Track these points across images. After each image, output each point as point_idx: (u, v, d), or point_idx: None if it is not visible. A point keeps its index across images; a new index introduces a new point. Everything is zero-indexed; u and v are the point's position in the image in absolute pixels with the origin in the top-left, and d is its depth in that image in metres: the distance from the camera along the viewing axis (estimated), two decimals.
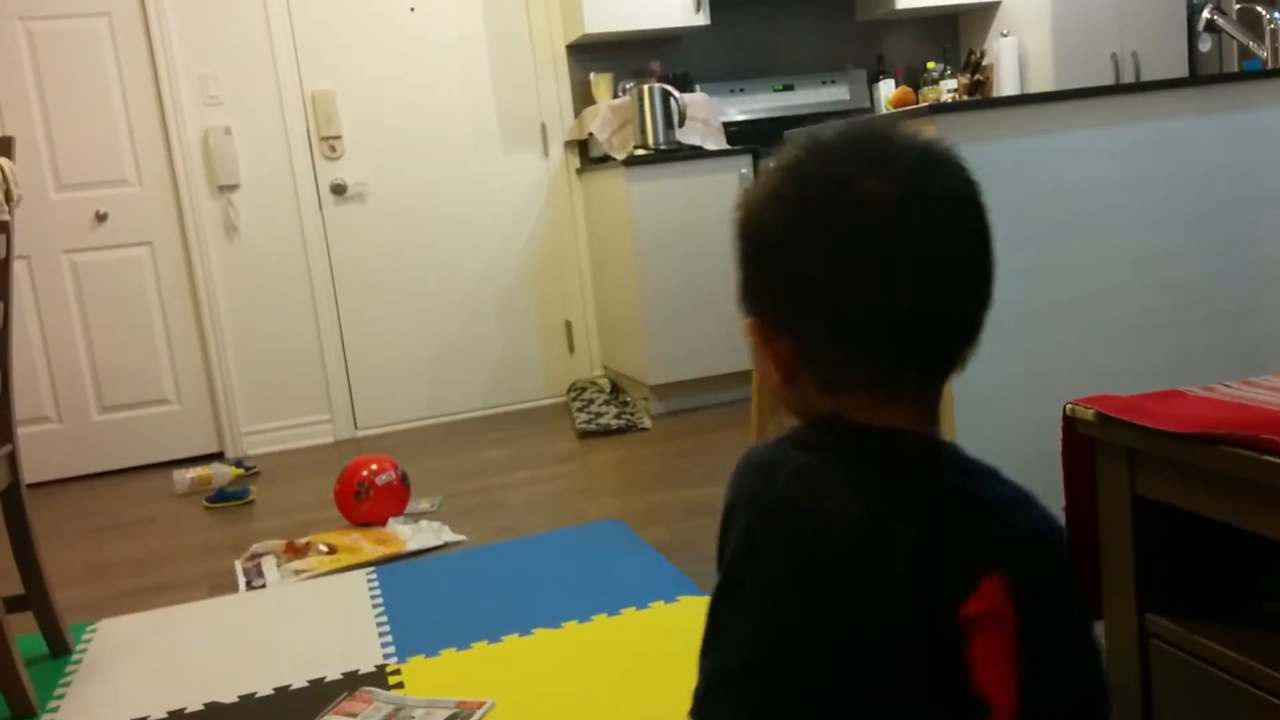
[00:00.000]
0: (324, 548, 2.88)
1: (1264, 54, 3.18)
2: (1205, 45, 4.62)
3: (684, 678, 2.00)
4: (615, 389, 4.67)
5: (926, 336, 0.75)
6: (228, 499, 3.59)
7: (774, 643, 0.78)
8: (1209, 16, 3.25)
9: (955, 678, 0.68)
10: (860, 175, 0.73)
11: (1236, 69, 4.50)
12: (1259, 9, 3.20)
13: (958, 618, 0.68)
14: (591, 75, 4.63)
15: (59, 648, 2.36)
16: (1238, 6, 4.36)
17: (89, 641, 2.45)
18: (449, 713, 1.90)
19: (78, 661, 2.33)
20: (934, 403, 0.79)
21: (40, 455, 4.19)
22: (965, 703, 0.69)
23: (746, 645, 0.82)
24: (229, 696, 2.08)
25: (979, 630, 0.67)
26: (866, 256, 0.72)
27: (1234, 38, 3.37)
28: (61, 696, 2.16)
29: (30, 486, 4.29)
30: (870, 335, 0.73)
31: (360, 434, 4.53)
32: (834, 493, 0.73)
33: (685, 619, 2.22)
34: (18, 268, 4.13)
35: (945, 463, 0.75)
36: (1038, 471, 2.61)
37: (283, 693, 2.07)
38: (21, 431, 4.15)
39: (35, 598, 2.31)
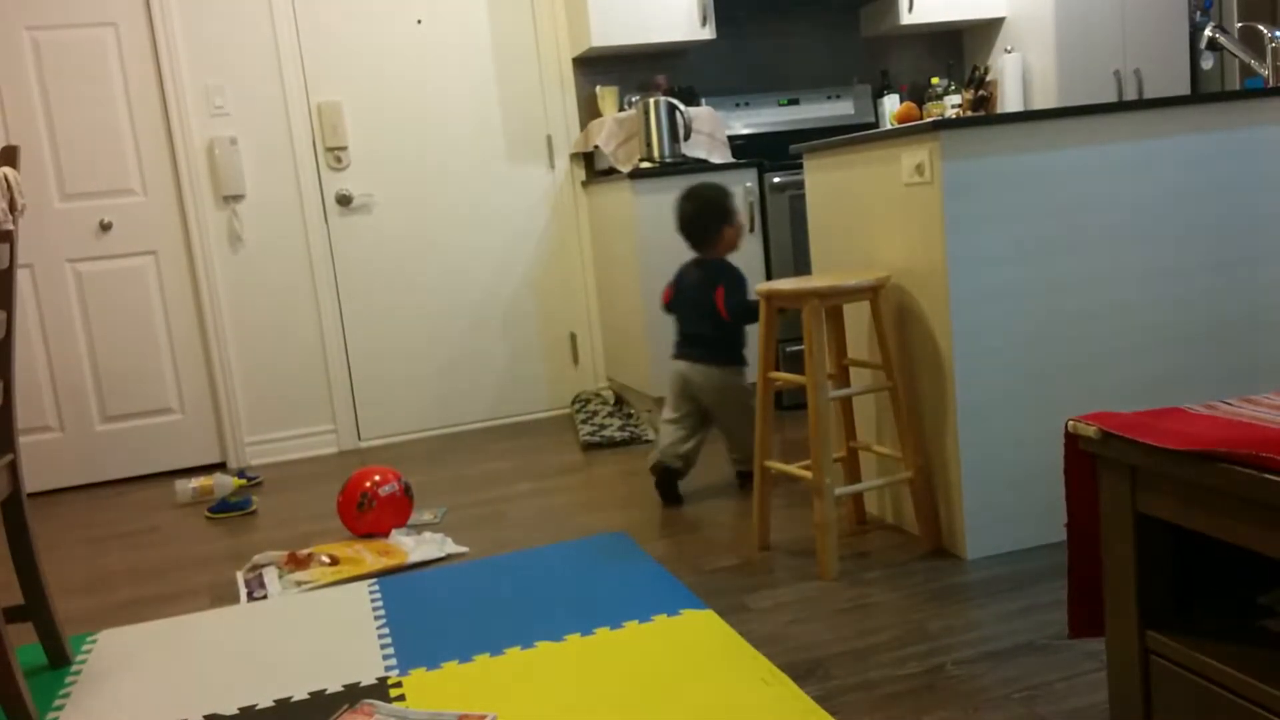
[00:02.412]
0: (326, 559, 2.88)
1: (1265, 72, 3.19)
2: (1207, 63, 4.65)
3: (686, 691, 2.01)
4: (619, 401, 4.67)
5: (688, 238, 3.26)
6: (230, 509, 3.60)
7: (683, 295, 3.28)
8: (1211, 35, 3.26)
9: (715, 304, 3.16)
10: (680, 199, 3.29)
11: (1238, 87, 4.51)
12: (1260, 28, 3.21)
13: (717, 294, 3.15)
14: (597, 88, 4.65)
15: (59, 659, 2.36)
16: (1239, 25, 4.37)
17: (89, 652, 2.45)
18: None
19: (77, 673, 2.33)
20: (706, 253, 3.25)
21: (42, 465, 4.20)
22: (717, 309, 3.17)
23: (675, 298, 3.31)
24: (229, 708, 2.08)
25: (718, 294, 3.14)
26: (678, 223, 3.28)
27: (1236, 56, 3.38)
28: (60, 708, 2.16)
29: (32, 496, 4.30)
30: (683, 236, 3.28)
31: (364, 445, 4.54)
32: (690, 269, 3.28)
33: (688, 632, 2.22)
34: (21, 276, 4.14)
35: (710, 261, 3.23)
36: (1040, 484, 2.64)
37: (283, 705, 2.07)
38: (24, 440, 4.17)
39: (35, 608, 2.31)
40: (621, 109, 4.60)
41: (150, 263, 4.26)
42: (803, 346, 2.48)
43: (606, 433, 4.10)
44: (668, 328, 4.24)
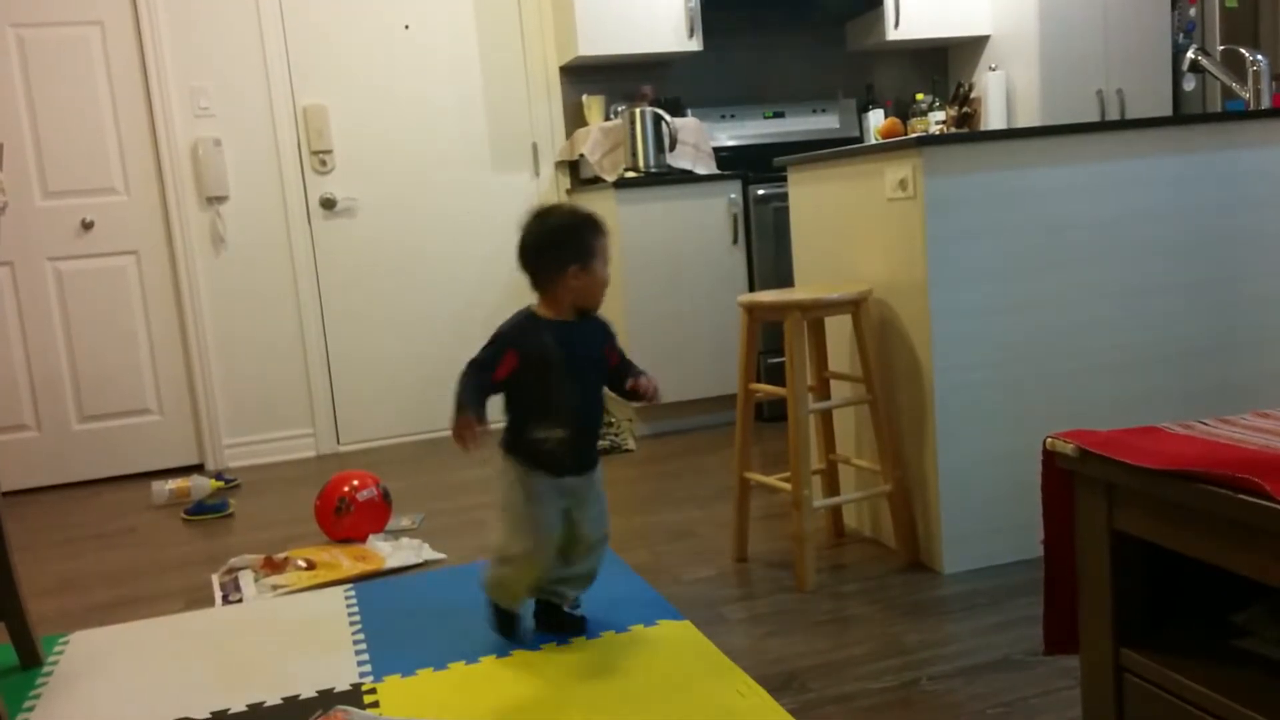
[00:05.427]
0: (302, 563, 2.86)
1: (1246, 95, 3.23)
2: (1189, 85, 4.69)
3: (661, 702, 2.01)
4: None
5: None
6: (206, 512, 3.57)
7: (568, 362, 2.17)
8: (1193, 57, 3.30)
9: (608, 362, 2.23)
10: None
11: (1220, 109, 4.56)
12: (1242, 51, 3.24)
13: (606, 351, 2.22)
14: (584, 97, 4.66)
15: (30, 659, 2.33)
16: (1221, 48, 4.42)
17: (61, 654, 2.42)
18: None
19: (48, 674, 2.31)
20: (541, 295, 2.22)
21: (18, 464, 4.16)
22: (608, 368, 2.23)
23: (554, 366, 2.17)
24: (201, 712, 2.06)
25: (610, 353, 2.22)
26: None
27: (1217, 78, 3.42)
28: (30, 709, 2.14)
29: (7, 495, 4.26)
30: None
31: (343, 449, 4.52)
32: (564, 325, 2.21)
33: (664, 643, 2.21)
34: (1, 274, 4.11)
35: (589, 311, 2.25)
36: (1018, 500, 2.65)
37: (256, 709, 2.05)
38: None
39: (7, 608, 2.28)
40: (607, 118, 4.61)
41: (131, 263, 4.24)
42: (783, 358, 2.49)
43: None
44: (651, 336, 4.25)
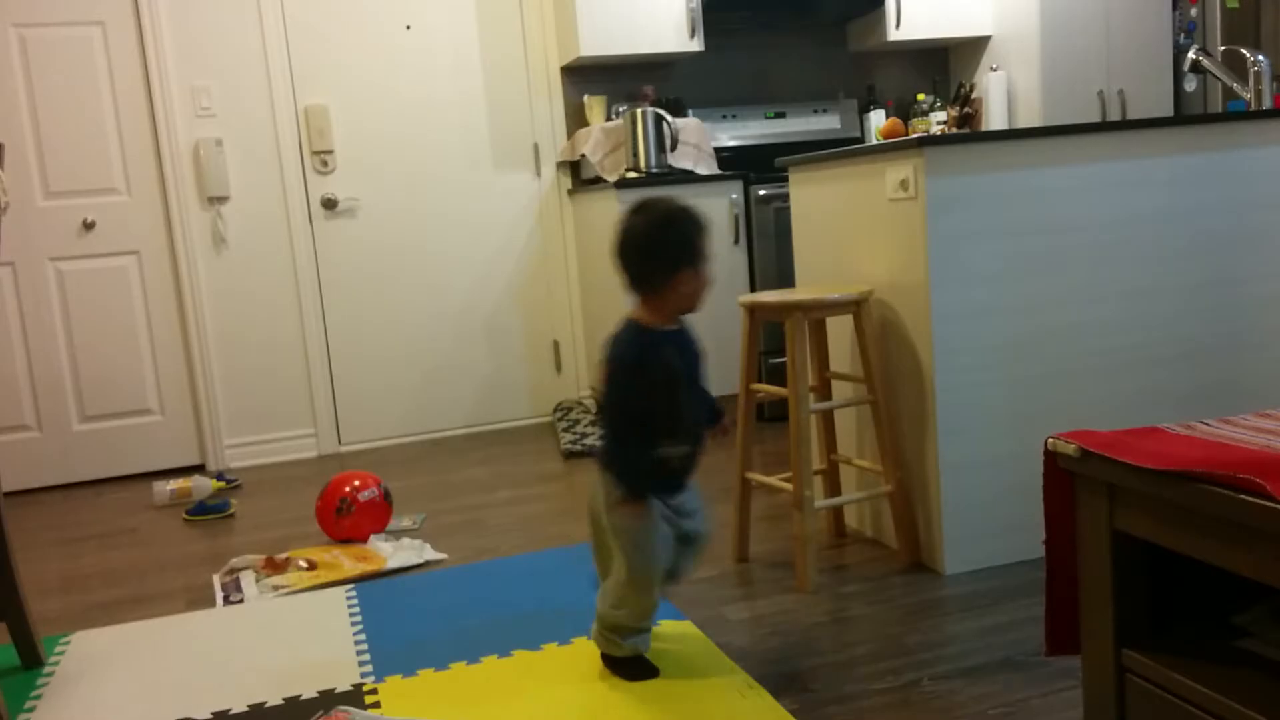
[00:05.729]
0: (304, 564, 2.86)
1: (1248, 95, 3.22)
2: (1190, 85, 4.68)
3: (663, 702, 2.01)
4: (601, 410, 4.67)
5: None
6: (207, 512, 3.57)
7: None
8: (1194, 57, 3.30)
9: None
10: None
11: (1221, 110, 4.56)
12: (1243, 51, 3.24)
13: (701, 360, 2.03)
14: (585, 97, 4.66)
15: (31, 660, 2.34)
16: (1222, 48, 4.42)
17: (62, 654, 2.42)
18: None
19: (50, 674, 2.31)
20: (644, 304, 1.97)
21: (19, 464, 4.17)
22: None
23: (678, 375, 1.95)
24: (203, 713, 2.06)
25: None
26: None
27: (1219, 79, 3.42)
28: (32, 709, 2.14)
29: (8, 495, 4.26)
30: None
31: (344, 449, 4.52)
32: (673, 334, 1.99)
33: (666, 643, 2.21)
34: (2, 274, 4.11)
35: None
36: (1019, 500, 2.65)
37: (257, 710, 2.05)
38: (1, 439, 4.13)
39: (9, 608, 2.28)
40: (609, 119, 4.61)
41: (133, 263, 4.24)
42: (785, 359, 2.49)
43: (588, 441, 4.10)
44: None
